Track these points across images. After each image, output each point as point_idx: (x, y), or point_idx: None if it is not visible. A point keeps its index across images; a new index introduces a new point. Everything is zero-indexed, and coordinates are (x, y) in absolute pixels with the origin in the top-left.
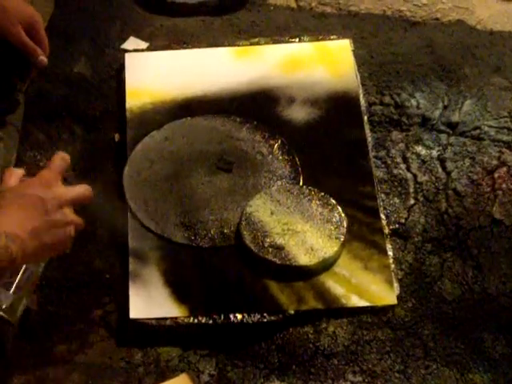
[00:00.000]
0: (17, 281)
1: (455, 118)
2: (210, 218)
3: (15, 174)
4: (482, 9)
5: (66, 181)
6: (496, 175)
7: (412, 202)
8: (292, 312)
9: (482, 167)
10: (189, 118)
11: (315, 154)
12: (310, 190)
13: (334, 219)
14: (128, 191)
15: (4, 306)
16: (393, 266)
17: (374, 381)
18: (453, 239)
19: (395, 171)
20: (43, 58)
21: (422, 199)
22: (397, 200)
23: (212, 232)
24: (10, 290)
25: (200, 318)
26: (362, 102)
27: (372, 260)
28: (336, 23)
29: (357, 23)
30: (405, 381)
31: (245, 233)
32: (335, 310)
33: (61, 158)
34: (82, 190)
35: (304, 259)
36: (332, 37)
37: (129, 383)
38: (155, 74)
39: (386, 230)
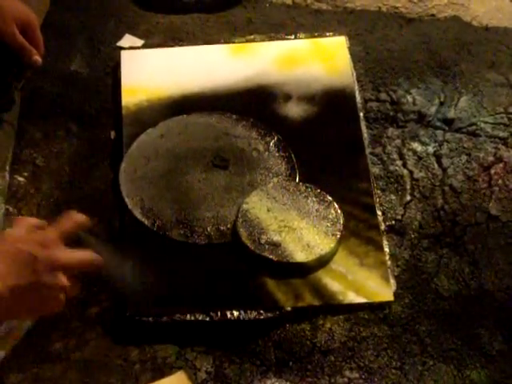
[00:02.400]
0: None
1: (451, 114)
2: (207, 215)
3: (26, 224)
4: (478, 5)
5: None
6: (492, 171)
7: (408, 198)
8: (289, 309)
9: (478, 163)
10: (185, 115)
11: (311, 151)
12: (306, 186)
13: (330, 216)
14: (124, 188)
15: None
16: (389, 262)
17: (371, 377)
18: (449, 235)
19: (391, 168)
20: (37, 58)
21: (418, 195)
22: (393, 196)
23: (208, 229)
24: None
25: (197, 315)
26: (358, 98)
27: (368, 256)
28: (332, 20)
29: (352, 20)
30: (402, 377)
31: (241, 230)
32: (332, 307)
33: (70, 218)
34: (83, 256)
35: (300, 256)
36: (328, 33)
37: (126, 381)
38: (151, 72)
39: (383, 227)
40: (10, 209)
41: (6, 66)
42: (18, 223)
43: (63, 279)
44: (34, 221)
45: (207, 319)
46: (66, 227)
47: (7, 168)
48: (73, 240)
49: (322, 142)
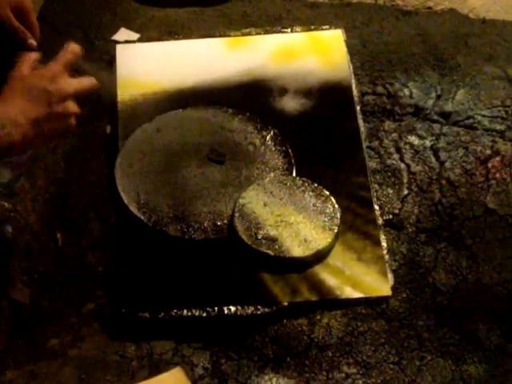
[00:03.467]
0: (16, 160)
1: (448, 107)
2: (203, 210)
3: (28, 60)
4: None
5: (78, 70)
6: (489, 165)
7: (405, 192)
8: (286, 304)
9: (475, 157)
10: (180, 109)
11: (308, 145)
12: (303, 181)
13: (327, 210)
14: (120, 184)
15: (2, 182)
16: (387, 256)
17: (369, 372)
18: (447, 229)
19: (388, 161)
20: (33, 42)
21: (415, 189)
22: (390, 190)
23: (205, 224)
24: (7, 168)
25: (193, 311)
26: (355, 91)
27: (366, 251)
28: (328, 13)
29: (349, 13)
30: (399, 372)
31: (238, 225)
32: (329, 302)
33: (69, 51)
34: (86, 82)
35: (298, 251)
36: (324, 27)
37: (122, 377)
38: (146, 66)
39: (380, 221)
40: (6, 205)
41: (2, 53)
42: (21, 61)
43: (73, 106)
44: (34, 55)
45: (204, 315)
46: (67, 59)
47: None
48: (73, 68)
49: (318, 135)
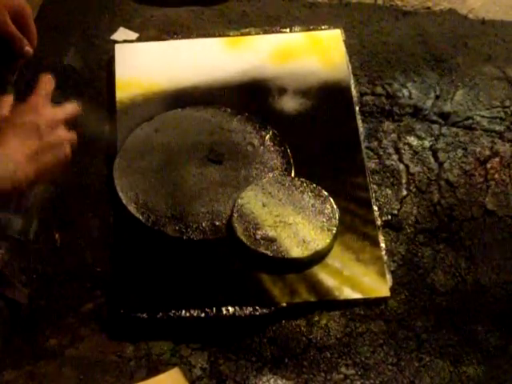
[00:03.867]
0: (24, 207)
1: (447, 108)
2: (201, 210)
3: (5, 103)
4: None
5: (53, 101)
6: (488, 165)
7: (404, 193)
8: (284, 305)
9: (474, 157)
10: (179, 109)
11: (307, 145)
12: (301, 181)
13: (326, 211)
14: (118, 183)
15: (17, 229)
16: (385, 257)
17: (367, 373)
18: (445, 230)
19: (387, 162)
20: (29, 49)
21: (414, 190)
22: (389, 191)
23: (203, 224)
24: (19, 214)
25: (192, 312)
26: (354, 92)
27: (364, 252)
28: (327, 13)
29: (348, 13)
30: (398, 373)
31: (236, 225)
32: (328, 303)
33: (45, 81)
34: (69, 107)
35: (296, 251)
36: (323, 26)
37: (120, 377)
38: (145, 65)
39: (379, 222)
40: None
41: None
42: None
43: (65, 133)
44: (8, 98)
45: (202, 315)
46: (45, 89)
47: None
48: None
49: (317, 136)
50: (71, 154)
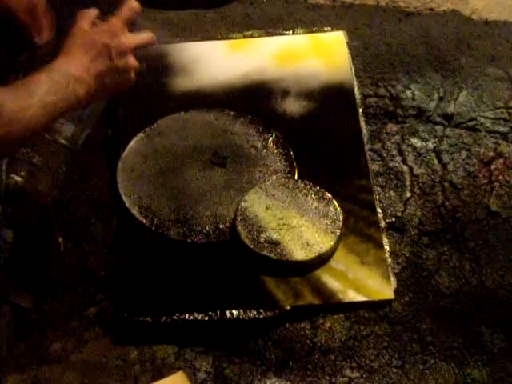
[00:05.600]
0: (79, 115)
1: (451, 109)
2: (205, 213)
3: (88, 16)
4: None
5: (135, 25)
6: (492, 167)
7: (408, 194)
8: (288, 307)
9: (478, 159)
10: (182, 112)
11: (310, 148)
12: (305, 184)
13: (329, 213)
14: (122, 187)
15: (67, 136)
16: (389, 259)
17: (372, 376)
18: (449, 232)
19: (391, 164)
20: (41, 39)
21: (418, 192)
22: (393, 193)
23: (207, 227)
24: (72, 123)
25: (196, 315)
26: (357, 94)
27: (368, 254)
28: (330, 15)
29: (351, 14)
30: (403, 376)
31: (240, 228)
32: (332, 305)
33: (130, 8)
34: (145, 36)
35: (300, 254)
36: (326, 28)
37: (125, 381)
38: (148, 68)
39: (383, 224)
40: (7, 208)
41: (13, 51)
42: (80, 17)
43: (133, 60)
44: (93, 12)
45: (206, 319)
46: (126, 15)
47: (4, 167)
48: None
49: (320, 138)
50: (134, 80)
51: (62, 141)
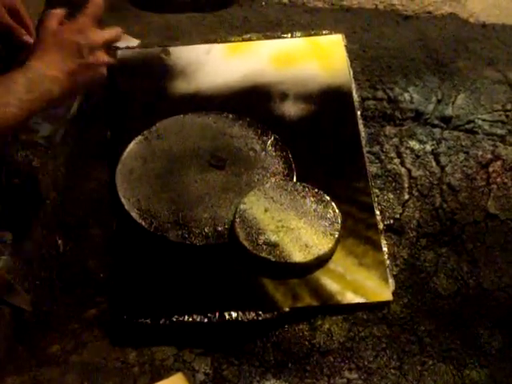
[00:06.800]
0: (54, 114)
1: (449, 112)
2: (204, 215)
3: (56, 16)
4: (475, 2)
5: (101, 22)
6: (490, 169)
7: (406, 197)
8: (287, 309)
9: (476, 161)
10: (181, 115)
11: (309, 150)
12: (303, 186)
13: (328, 215)
14: (121, 190)
15: (43, 135)
16: (388, 261)
17: (370, 377)
18: (448, 234)
19: (389, 166)
20: (28, 38)
21: (416, 194)
22: (391, 195)
23: (206, 230)
24: (48, 122)
25: (195, 317)
26: (355, 96)
27: (367, 256)
28: (328, 18)
29: (349, 18)
30: (401, 377)
31: (239, 230)
32: (330, 307)
33: (95, 4)
34: (113, 31)
35: (299, 256)
36: (324, 32)
37: (124, 383)
38: (147, 72)
39: (381, 226)
40: (7, 211)
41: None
42: (47, 17)
43: (103, 56)
44: (60, 11)
45: (205, 320)
46: (93, 11)
47: (3, 169)
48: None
49: (319, 140)
50: (106, 75)
51: (40, 140)
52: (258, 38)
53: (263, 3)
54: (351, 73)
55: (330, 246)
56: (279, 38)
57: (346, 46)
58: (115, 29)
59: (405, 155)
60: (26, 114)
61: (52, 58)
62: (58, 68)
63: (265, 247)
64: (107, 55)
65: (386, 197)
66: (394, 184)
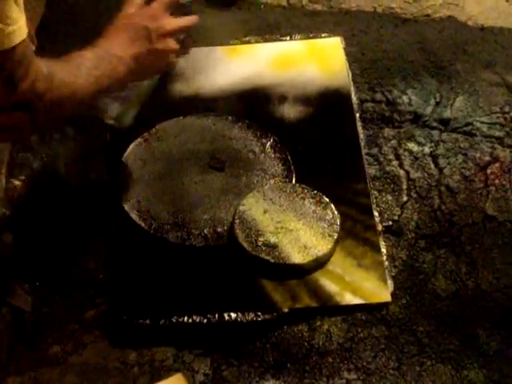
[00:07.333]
0: (125, 95)
1: (447, 114)
2: (203, 217)
3: (134, 2)
4: (473, 5)
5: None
6: (488, 171)
7: (405, 198)
8: (286, 310)
9: (474, 163)
10: (181, 117)
11: (308, 152)
12: (302, 188)
13: (327, 217)
14: (121, 191)
15: (112, 115)
16: (386, 263)
17: (369, 378)
18: (446, 236)
19: (388, 168)
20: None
21: (414, 196)
22: (390, 197)
23: (205, 231)
24: (118, 102)
25: (194, 318)
26: (354, 99)
27: (365, 257)
28: (327, 21)
29: (348, 21)
30: (400, 378)
31: (238, 232)
32: (329, 308)
33: None
34: (186, 20)
35: (297, 257)
36: (323, 34)
37: (123, 383)
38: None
39: (380, 227)
40: (7, 212)
41: None
42: (127, 4)
43: (172, 44)
44: (139, 0)
45: (205, 321)
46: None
47: (3, 171)
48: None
49: (318, 143)
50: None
51: (107, 120)
52: (258, 41)
53: (262, 6)
54: (350, 75)
55: (329, 247)
56: (278, 40)
57: (344, 48)
58: (189, 18)
59: (403, 157)
60: (93, 88)
61: (120, 40)
62: (124, 50)
63: (264, 248)
64: (176, 43)
65: (384, 198)
66: (392, 186)
